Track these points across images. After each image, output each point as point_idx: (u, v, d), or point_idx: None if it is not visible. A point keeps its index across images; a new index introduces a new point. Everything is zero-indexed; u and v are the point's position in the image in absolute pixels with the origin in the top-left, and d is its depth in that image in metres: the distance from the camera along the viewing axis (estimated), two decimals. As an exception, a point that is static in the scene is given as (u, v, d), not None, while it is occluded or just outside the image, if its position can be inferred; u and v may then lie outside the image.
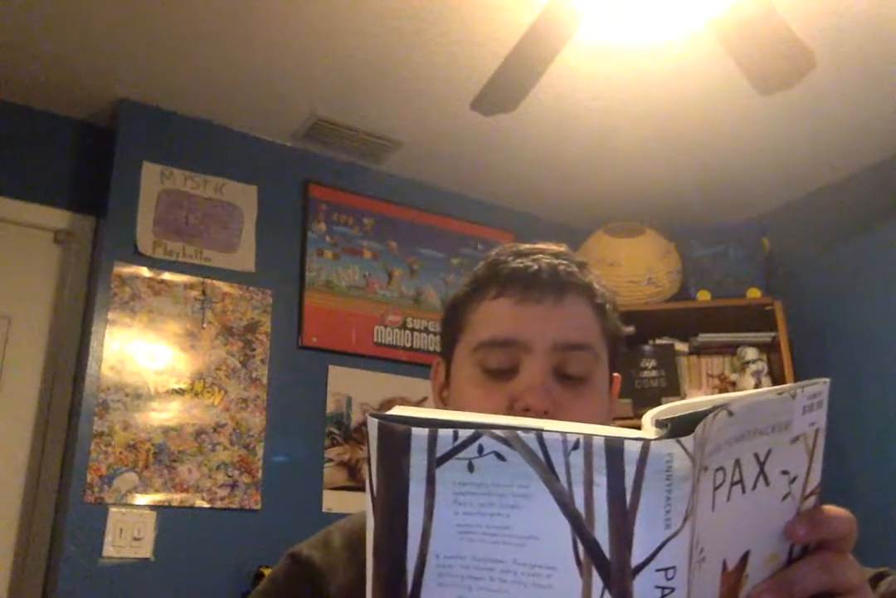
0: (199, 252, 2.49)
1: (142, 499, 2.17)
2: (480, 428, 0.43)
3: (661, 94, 2.47)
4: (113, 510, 2.13)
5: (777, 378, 2.83)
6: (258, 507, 2.33)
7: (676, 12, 1.81)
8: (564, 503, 0.41)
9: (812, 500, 0.52)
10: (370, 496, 0.46)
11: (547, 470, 0.41)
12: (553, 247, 0.84)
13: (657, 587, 0.40)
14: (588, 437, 0.41)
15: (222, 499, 2.29)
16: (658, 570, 0.40)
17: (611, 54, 2.27)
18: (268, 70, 2.38)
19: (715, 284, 2.89)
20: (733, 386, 2.88)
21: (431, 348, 2.80)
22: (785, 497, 0.49)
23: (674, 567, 0.40)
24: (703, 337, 2.92)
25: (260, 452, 2.39)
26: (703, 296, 2.87)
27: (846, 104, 2.51)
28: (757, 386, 2.82)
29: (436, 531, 0.44)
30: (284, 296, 2.60)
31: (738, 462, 0.45)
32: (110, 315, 2.28)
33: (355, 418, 2.62)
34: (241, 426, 2.38)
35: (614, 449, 0.40)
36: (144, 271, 2.38)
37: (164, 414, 2.27)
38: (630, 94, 2.47)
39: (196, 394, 2.34)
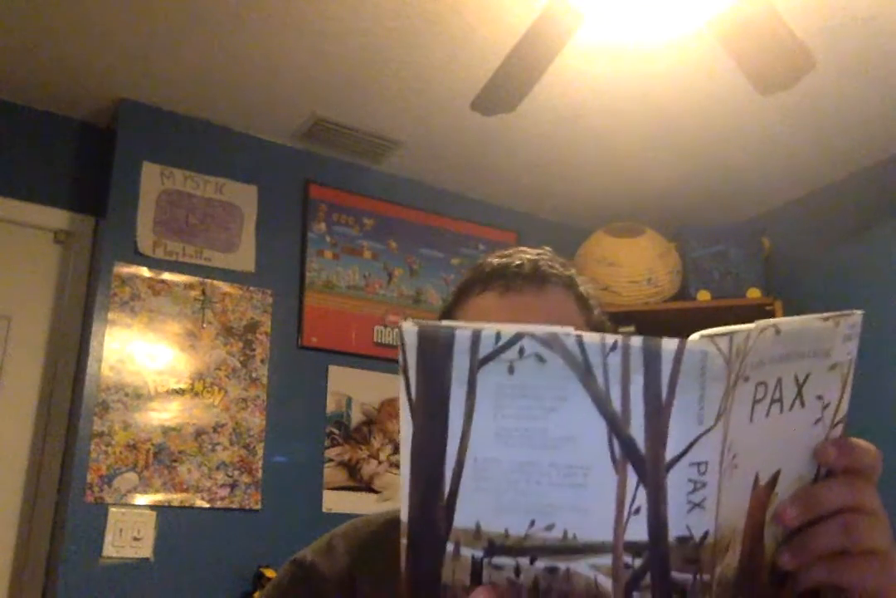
0: (199, 252, 2.49)
1: (142, 499, 2.17)
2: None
3: (662, 94, 2.47)
4: (113, 510, 2.13)
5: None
6: (258, 507, 2.34)
7: (676, 12, 1.81)
8: (601, 403, 0.42)
9: (839, 428, 0.54)
10: (408, 404, 0.46)
11: (585, 371, 0.42)
12: (535, 248, 0.87)
13: (690, 480, 0.42)
14: (626, 338, 0.42)
15: (222, 499, 2.29)
16: (691, 464, 0.41)
17: (611, 54, 2.27)
18: (268, 70, 2.38)
19: (715, 284, 2.89)
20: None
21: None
22: (817, 422, 0.51)
23: (706, 463, 0.41)
24: (703, 337, 2.91)
25: (260, 452, 2.39)
26: (703, 296, 2.87)
27: (846, 104, 2.51)
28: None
29: (474, 435, 0.45)
30: (284, 296, 2.60)
31: (779, 381, 0.46)
32: (110, 315, 2.28)
33: (355, 418, 2.62)
34: (241, 426, 2.38)
35: (651, 349, 0.41)
36: (144, 271, 2.38)
37: (164, 414, 2.27)
38: (630, 94, 2.47)
39: (196, 394, 2.34)
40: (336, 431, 2.57)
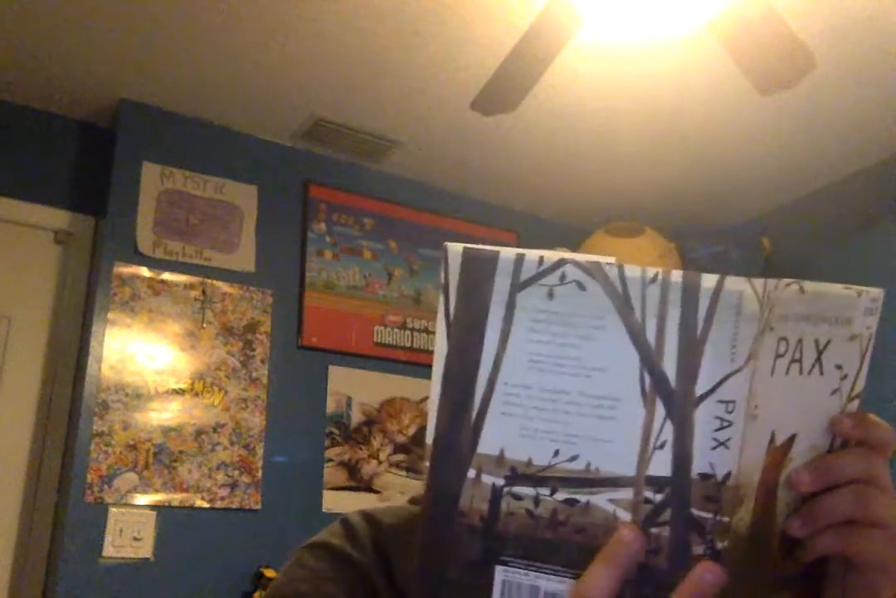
0: (199, 252, 2.49)
1: (142, 499, 2.17)
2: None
3: (662, 94, 2.47)
4: (113, 510, 2.13)
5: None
6: (258, 507, 2.34)
7: (676, 12, 1.81)
8: (637, 334, 0.42)
9: (856, 403, 0.54)
10: (444, 323, 0.46)
11: (623, 302, 0.42)
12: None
13: (717, 417, 0.42)
14: (667, 272, 0.42)
15: (222, 499, 2.29)
16: (719, 401, 0.41)
17: (611, 54, 2.27)
18: (268, 70, 2.38)
19: (715, 284, 2.88)
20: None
21: (431, 348, 2.80)
22: (834, 392, 0.51)
23: (734, 402, 0.41)
24: (703, 337, 2.92)
25: (260, 452, 2.39)
26: (703, 296, 2.87)
27: (846, 104, 2.51)
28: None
29: (507, 359, 0.45)
30: (284, 296, 2.61)
31: (800, 341, 0.46)
32: (110, 315, 2.28)
33: (355, 418, 2.62)
34: (241, 426, 2.38)
35: (690, 283, 0.42)
36: (144, 271, 2.38)
37: (164, 414, 2.27)
38: (630, 94, 2.47)
39: (196, 394, 2.34)
40: (336, 431, 2.57)
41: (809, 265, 3.01)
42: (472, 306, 0.46)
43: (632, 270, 0.43)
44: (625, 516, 0.43)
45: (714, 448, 0.42)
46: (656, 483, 0.43)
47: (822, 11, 2.08)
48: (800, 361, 0.46)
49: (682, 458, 0.42)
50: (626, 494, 0.43)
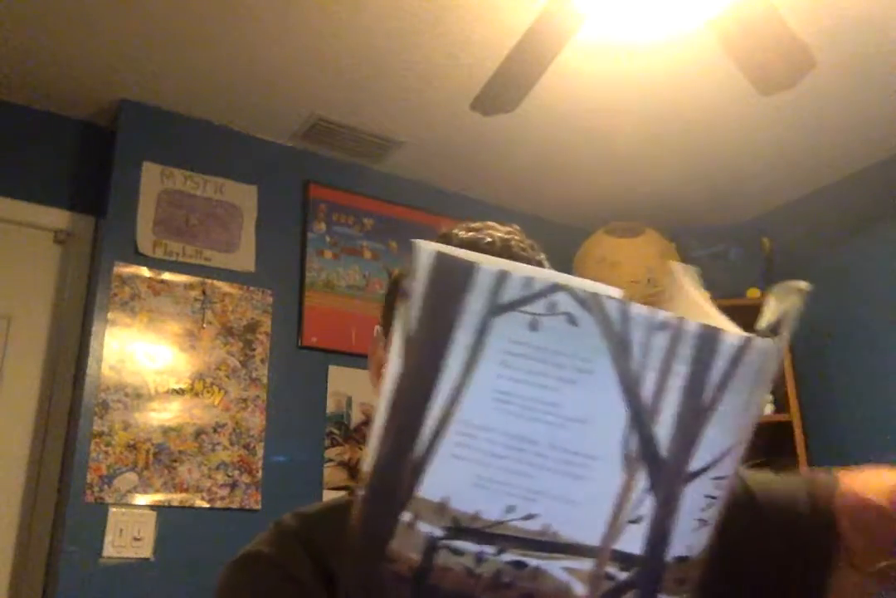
0: (199, 252, 2.49)
1: (142, 499, 2.17)
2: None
3: (661, 95, 2.47)
4: (113, 509, 2.13)
5: (777, 378, 2.83)
6: (258, 507, 2.33)
7: (677, 12, 1.81)
8: (630, 387, 0.36)
9: None
10: (402, 336, 0.39)
11: (621, 346, 0.36)
12: (501, 225, 0.82)
13: (707, 496, 0.36)
14: (681, 320, 0.36)
15: (222, 499, 2.29)
16: (714, 478, 0.36)
17: (611, 54, 2.27)
18: (268, 70, 2.38)
19: (715, 284, 2.89)
20: None
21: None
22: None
23: (727, 477, 0.36)
24: (703, 337, 2.92)
25: (260, 452, 2.39)
26: (703, 296, 2.87)
27: (846, 104, 2.51)
28: (757, 386, 2.82)
29: (469, 393, 0.38)
30: (284, 296, 2.60)
31: None
32: (110, 315, 2.28)
33: (355, 418, 2.62)
34: (241, 426, 2.38)
35: (708, 338, 0.35)
36: (144, 271, 2.38)
37: (164, 414, 2.27)
38: (630, 95, 2.47)
39: (196, 394, 2.34)
40: (336, 431, 2.57)
41: (809, 265, 3.01)
42: (435, 324, 0.38)
43: (639, 311, 0.36)
44: (580, 590, 0.37)
45: (697, 529, 0.37)
46: (624, 560, 0.37)
47: (822, 11, 2.08)
48: None
49: (659, 539, 0.36)
50: (586, 565, 0.37)
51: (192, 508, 2.24)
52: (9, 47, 2.27)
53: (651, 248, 2.94)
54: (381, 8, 2.10)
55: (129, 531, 2.13)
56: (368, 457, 0.40)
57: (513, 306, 0.37)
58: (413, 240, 0.40)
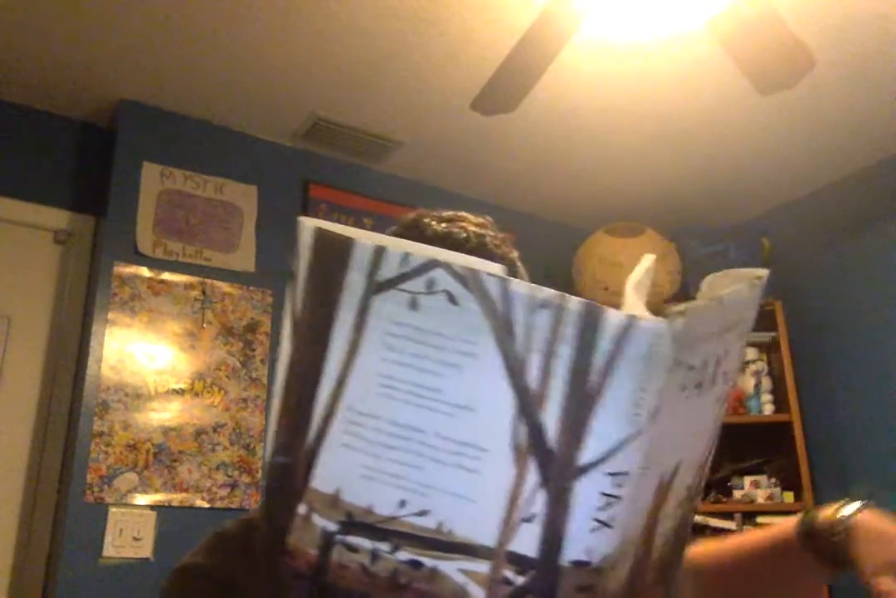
0: (199, 252, 2.48)
1: (142, 499, 2.17)
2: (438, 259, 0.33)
3: (661, 95, 2.47)
4: (113, 509, 2.13)
5: (777, 378, 2.83)
6: (258, 507, 2.33)
7: (676, 12, 1.81)
8: (514, 371, 0.33)
9: (725, 403, 0.45)
10: (290, 318, 0.37)
11: (503, 327, 0.33)
12: (477, 217, 0.79)
13: (603, 494, 0.32)
14: (563, 297, 0.32)
15: (222, 499, 2.29)
16: (609, 474, 0.32)
17: (611, 54, 2.27)
18: (268, 70, 2.38)
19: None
20: (733, 386, 2.88)
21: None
22: (717, 399, 0.42)
23: (626, 473, 0.33)
24: (703, 337, 2.92)
25: (260, 452, 2.39)
26: (703, 296, 2.87)
27: (846, 104, 2.51)
28: (757, 387, 2.82)
29: (354, 377, 0.35)
30: (284, 296, 2.60)
31: (706, 362, 0.37)
32: (110, 315, 2.28)
33: (355, 418, 2.62)
34: (241, 426, 2.38)
35: (591, 317, 0.32)
36: (144, 271, 2.38)
37: (164, 414, 2.27)
38: (630, 95, 2.47)
39: (196, 394, 2.34)
40: (336, 431, 2.57)
41: (809, 265, 3.01)
42: (318, 305, 0.36)
43: (519, 288, 0.33)
44: (477, 594, 0.34)
45: (594, 530, 0.33)
46: (520, 562, 0.34)
47: (822, 11, 2.08)
48: (701, 384, 0.38)
49: (552, 540, 0.33)
50: (483, 567, 0.34)
51: (191, 508, 2.24)
52: (8, 47, 2.27)
53: (651, 248, 2.94)
54: (381, 8, 2.10)
55: (129, 531, 2.13)
56: (269, 442, 0.37)
57: (391, 283, 0.34)
58: (298, 217, 0.37)
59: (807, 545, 0.62)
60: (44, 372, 2.35)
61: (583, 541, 0.33)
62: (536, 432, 0.33)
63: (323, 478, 0.36)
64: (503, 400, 0.33)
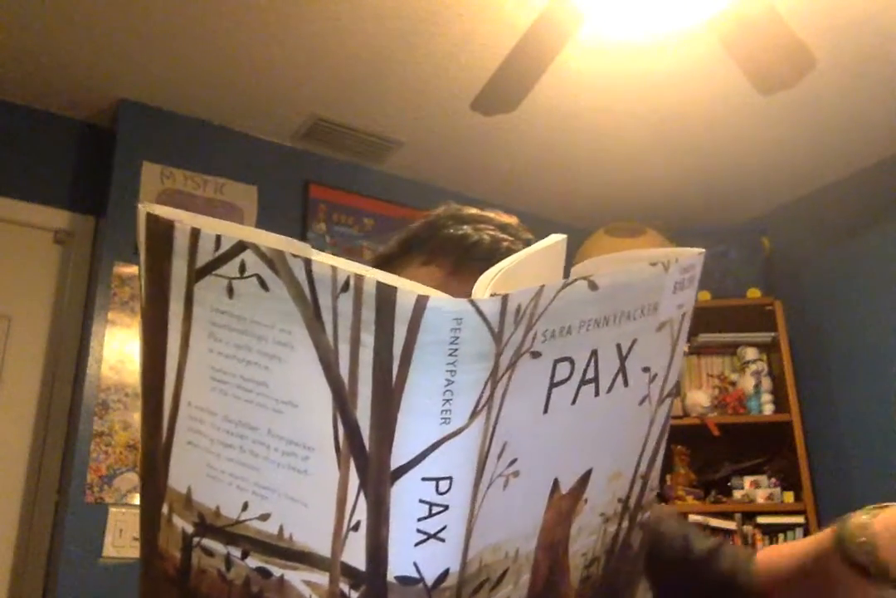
0: (199, 252, 2.48)
1: (142, 499, 2.17)
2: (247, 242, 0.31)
3: (661, 95, 2.47)
4: (113, 510, 2.13)
5: (777, 378, 2.83)
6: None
7: (676, 12, 1.81)
8: (328, 363, 0.30)
9: (668, 403, 0.40)
10: (140, 308, 0.35)
11: (313, 314, 0.30)
12: (503, 217, 0.75)
13: (423, 501, 0.29)
14: (359, 278, 0.29)
15: (222, 499, 2.29)
16: (425, 479, 0.29)
17: (611, 54, 2.27)
18: (268, 70, 2.38)
19: (715, 284, 2.89)
20: (733, 386, 2.88)
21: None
22: (643, 401, 0.38)
23: (449, 478, 0.29)
24: (703, 337, 2.92)
25: (260, 452, 2.39)
26: (703, 296, 2.87)
27: (846, 104, 2.51)
28: (757, 387, 2.82)
29: (189, 371, 0.34)
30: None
31: (594, 354, 0.34)
32: (110, 315, 2.28)
33: (355, 418, 2.62)
34: (241, 426, 2.38)
35: (385, 300, 0.28)
36: (144, 271, 2.38)
37: (164, 414, 2.27)
38: (630, 95, 2.47)
39: (196, 394, 2.34)
40: (336, 431, 2.57)
41: (809, 265, 3.01)
42: (154, 296, 0.34)
43: (320, 270, 0.30)
44: None
45: (420, 543, 0.30)
46: (352, 575, 0.31)
47: (822, 11, 2.08)
48: (595, 379, 0.34)
49: (375, 551, 0.30)
50: (323, 579, 0.32)
51: (192, 508, 2.24)
52: (9, 47, 2.27)
53: (651, 248, 2.94)
54: (381, 8, 2.10)
55: (129, 531, 2.13)
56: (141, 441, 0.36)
57: (209, 269, 0.32)
58: (138, 204, 0.34)
59: (842, 556, 0.57)
60: (44, 372, 2.35)
61: (408, 555, 0.30)
62: (352, 431, 0.30)
63: (176, 476, 0.35)
64: (322, 395, 0.30)
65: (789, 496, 2.65)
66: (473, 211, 0.73)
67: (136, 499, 2.17)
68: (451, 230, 0.69)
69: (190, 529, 0.35)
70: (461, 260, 0.66)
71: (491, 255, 0.67)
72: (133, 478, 2.18)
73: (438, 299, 0.28)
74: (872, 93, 2.45)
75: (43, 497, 2.23)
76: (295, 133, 2.71)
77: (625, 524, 0.39)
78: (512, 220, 0.75)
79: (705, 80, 2.38)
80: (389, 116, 2.61)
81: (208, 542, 0.34)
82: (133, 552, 2.13)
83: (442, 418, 0.29)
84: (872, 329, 2.74)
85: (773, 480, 2.72)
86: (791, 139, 2.71)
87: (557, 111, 2.56)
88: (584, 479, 0.36)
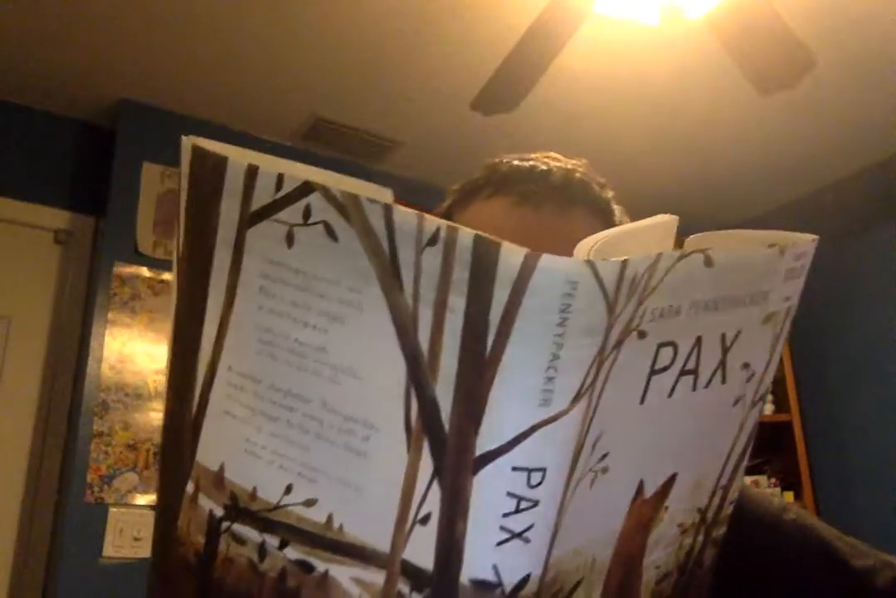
0: (199, 252, 2.48)
1: (142, 499, 2.17)
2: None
3: (661, 94, 2.47)
4: (113, 510, 2.13)
5: (777, 378, 2.83)
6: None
7: (676, 12, 1.81)
8: (405, 329, 0.26)
9: (759, 408, 0.36)
10: (175, 256, 0.32)
11: (390, 271, 0.25)
12: (569, 159, 0.66)
13: (511, 494, 0.25)
14: (452, 230, 0.24)
15: (222, 499, 2.28)
16: (516, 469, 0.25)
17: (611, 54, 2.27)
18: (268, 70, 2.38)
19: (715, 284, 2.89)
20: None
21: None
22: (737, 402, 0.34)
23: (543, 470, 0.25)
24: (703, 337, 2.92)
25: (260, 452, 2.39)
26: (703, 296, 2.87)
27: (846, 104, 2.51)
28: (757, 386, 2.82)
29: (232, 331, 0.29)
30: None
31: (699, 342, 0.29)
32: (110, 315, 2.28)
33: (355, 418, 2.61)
34: (241, 426, 2.38)
35: (484, 256, 0.24)
36: (144, 271, 2.38)
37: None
38: (630, 94, 2.47)
39: (196, 394, 2.34)
40: (336, 431, 2.56)
41: (809, 265, 3.01)
42: (196, 240, 0.30)
43: (405, 218, 0.25)
44: None
45: (502, 543, 0.25)
46: (415, 576, 0.26)
47: (822, 11, 2.08)
48: (694, 371, 0.30)
49: (449, 550, 0.26)
50: (377, 577, 0.27)
51: (192, 508, 2.24)
52: (9, 47, 2.27)
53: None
54: (381, 8, 2.10)
55: (129, 531, 2.13)
56: (165, 403, 0.32)
57: (266, 212, 0.28)
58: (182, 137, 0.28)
59: None
60: (44, 372, 2.35)
61: (487, 556, 0.25)
62: (429, 408, 0.25)
63: (207, 451, 0.30)
64: (393, 366, 0.26)
65: (789, 496, 2.66)
66: (538, 152, 0.66)
67: (137, 499, 2.17)
68: (517, 163, 0.63)
69: (219, 511, 0.30)
70: (529, 190, 0.60)
71: (563, 186, 0.61)
72: (133, 478, 2.18)
73: (551, 258, 0.23)
74: (872, 93, 2.45)
75: (43, 497, 2.24)
76: (295, 133, 2.71)
77: (700, 538, 0.35)
78: (580, 161, 0.67)
79: (705, 80, 2.38)
80: (389, 116, 2.61)
81: (240, 527, 0.30)
82: (133, 551, 2.13)
83: (542, 399, 0.24)
84: (872, 329, 2.74)
85: (773, 480, 2.72)
86: (791, 139, 2.71)
87: (557, 111, 2.56)
88: (668, 484, 0.32)
